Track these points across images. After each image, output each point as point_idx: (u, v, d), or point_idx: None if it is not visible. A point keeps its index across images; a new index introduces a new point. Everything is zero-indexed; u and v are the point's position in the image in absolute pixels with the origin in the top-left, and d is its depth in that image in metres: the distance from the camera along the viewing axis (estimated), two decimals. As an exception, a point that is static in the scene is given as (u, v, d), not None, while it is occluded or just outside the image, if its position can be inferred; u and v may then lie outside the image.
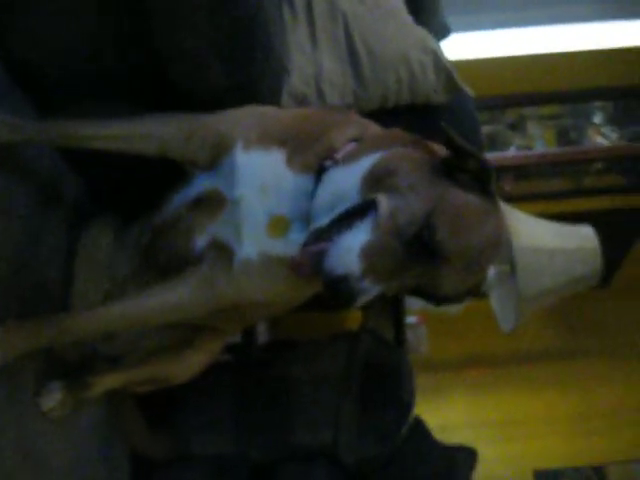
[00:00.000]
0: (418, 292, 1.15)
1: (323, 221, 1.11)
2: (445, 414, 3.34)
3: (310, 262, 1.08)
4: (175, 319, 1.41)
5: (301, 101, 1.65)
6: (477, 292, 1.20)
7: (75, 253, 1.56)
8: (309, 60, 1.68)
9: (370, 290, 1.04)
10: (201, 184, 1.35)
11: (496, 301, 2.64)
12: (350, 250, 1.04)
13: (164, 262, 1.43)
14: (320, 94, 1.67)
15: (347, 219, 1.09)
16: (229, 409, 2.06)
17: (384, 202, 1.08)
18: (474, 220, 1.09)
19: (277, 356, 2.23)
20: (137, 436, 1.87)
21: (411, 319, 3.12)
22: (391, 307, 2.64)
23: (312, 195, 1.20)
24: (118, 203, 1.63)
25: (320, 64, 1.69)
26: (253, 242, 1.25)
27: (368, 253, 1.04)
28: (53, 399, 1.47)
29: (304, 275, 1.10)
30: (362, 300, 1.05)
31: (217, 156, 1.29)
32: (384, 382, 2.13)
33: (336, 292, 1.04)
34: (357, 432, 2.03)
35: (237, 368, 2.17)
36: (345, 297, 1.04)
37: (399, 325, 2.62)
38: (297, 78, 1.64)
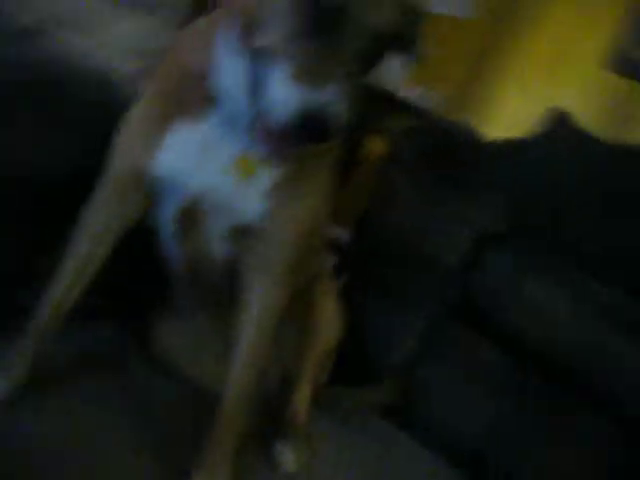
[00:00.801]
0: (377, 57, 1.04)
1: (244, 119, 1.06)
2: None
3: (276, 140, 0.98)
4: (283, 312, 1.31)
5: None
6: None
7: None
8: None
9: (332, 98, 0.91)
10: (167, 215, 1.26)
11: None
12: (282, 96, 0.92)
13: (219, 294, 1.37)
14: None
15: (257, 90, 0.99)
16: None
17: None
18: None
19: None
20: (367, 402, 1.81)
21: (411, 91, 2.94)
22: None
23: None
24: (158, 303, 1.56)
25: None
26: (249, 201, 1.16)
27: (295, 77, 0.91)
28: (290, 458, 1.42)
29: (282, 151, 1.01)
30: (340, 115, 0.92)
31: (148, 187, 1.20)
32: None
33: (313, 128, 0.91)
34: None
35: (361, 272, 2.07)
36: (321, 123, 0.90)
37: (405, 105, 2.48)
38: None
